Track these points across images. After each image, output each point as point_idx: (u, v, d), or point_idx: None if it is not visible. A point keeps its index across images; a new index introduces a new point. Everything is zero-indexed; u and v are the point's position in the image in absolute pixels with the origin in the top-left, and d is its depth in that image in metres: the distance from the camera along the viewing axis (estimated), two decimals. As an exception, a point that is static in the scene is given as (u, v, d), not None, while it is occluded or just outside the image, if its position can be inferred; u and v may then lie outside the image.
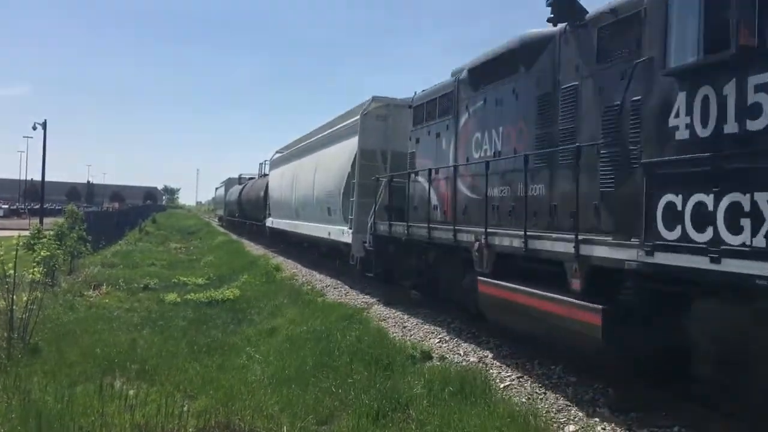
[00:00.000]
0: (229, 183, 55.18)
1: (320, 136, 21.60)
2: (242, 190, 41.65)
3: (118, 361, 8.67)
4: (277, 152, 30.37)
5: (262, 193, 32.08)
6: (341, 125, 18.94)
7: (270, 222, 28.71)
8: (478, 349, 9.37)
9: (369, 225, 14.40)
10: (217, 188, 75.97)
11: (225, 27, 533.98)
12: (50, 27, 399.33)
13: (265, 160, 37.68)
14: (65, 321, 11.22)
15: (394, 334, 10.55)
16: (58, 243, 15.73)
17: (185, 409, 6.42)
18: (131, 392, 7.04)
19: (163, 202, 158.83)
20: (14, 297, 9.38)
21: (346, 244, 16.41)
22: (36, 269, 10.73)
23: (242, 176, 50.00)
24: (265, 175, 35.60)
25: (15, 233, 11.62)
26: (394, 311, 12.70)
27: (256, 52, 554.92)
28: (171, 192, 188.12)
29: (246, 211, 39.19)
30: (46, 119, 40.26)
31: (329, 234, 18.04)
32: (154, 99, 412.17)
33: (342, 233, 16.66)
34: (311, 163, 21.35)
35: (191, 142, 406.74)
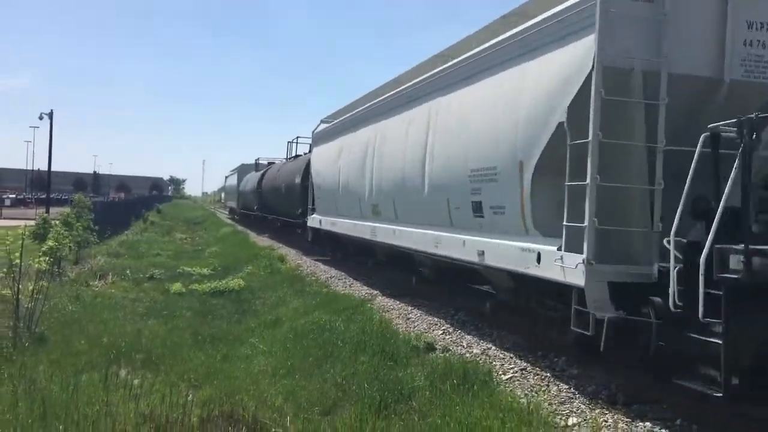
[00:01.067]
0: (242, 170, 47.53)
1: (439, 69, 11.14)
2: (263, 176, 33.44)
3: (124, 350, 8.73)
4: (322, 121, 20.89)
5: (297, 180, 23.14)
6: (528, 25, 8.27)
7: (316, 221, 19.63)
8: (481, 340, 9.39)
9: (704, 254, 5.41)
10: (227, 176, 66.11)
11: (230, 18, 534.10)
12: (56, 16, 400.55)
13: (297, 137, 29.92)
14: (71, 310, 11.29)
15: (398, 326, 10.58)
16: (67, 230, 15.89)
17: (189, 398, 6.47)
18: (136, 381, 7.10)
19: (169, 193, 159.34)
20: (20, 286, 9.45)
21: (552, 283, 7.45)
22: (42, 259, 10.82)
23: (259, 161, 41.71)
24: (296, 156, 28.05)
25: (22, 223, 11.71)
26: (397, 302, 12.71)
27: (260, 43, 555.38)
28: (177, 182, 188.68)
29: (269, 203, 30.91)
30: (53, 109, 40.37)
31: (482, 255, 8.95)
32: (161, 90, 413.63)
33: (538, 259, 7.54)
34: (418, 120, 11.61)
35: (198, 133, 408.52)
